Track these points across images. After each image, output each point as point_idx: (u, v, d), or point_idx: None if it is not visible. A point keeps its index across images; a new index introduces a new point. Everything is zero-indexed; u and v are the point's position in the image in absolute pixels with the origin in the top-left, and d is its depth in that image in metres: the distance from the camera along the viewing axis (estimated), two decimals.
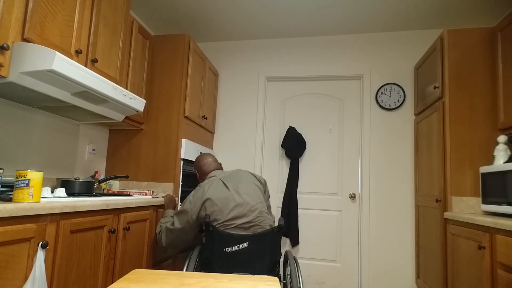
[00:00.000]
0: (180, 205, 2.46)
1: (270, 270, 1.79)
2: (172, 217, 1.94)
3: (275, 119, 3.29)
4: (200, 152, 2.88)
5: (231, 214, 1.78)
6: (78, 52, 1.73)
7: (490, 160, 2.18)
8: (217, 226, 1.77)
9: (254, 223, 1.80)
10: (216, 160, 2.16)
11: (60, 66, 1.44)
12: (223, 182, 1.89)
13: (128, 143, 2.62)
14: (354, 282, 2.92)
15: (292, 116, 3.25)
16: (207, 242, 1.78)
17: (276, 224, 1.87)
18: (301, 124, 3.21)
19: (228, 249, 1.73)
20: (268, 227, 1.83)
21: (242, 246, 1.74)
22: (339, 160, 3.10)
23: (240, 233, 1.77)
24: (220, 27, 3.16)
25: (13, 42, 1.40)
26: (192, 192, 1.91)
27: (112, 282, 1.63)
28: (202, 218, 1.81)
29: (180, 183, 2.52)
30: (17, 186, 1.25)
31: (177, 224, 1.87)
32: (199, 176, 2.17)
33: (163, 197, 2.26)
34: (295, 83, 3.30)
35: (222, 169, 2.17)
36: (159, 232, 1.96)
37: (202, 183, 1.95)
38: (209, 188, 1.85)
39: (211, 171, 2.08)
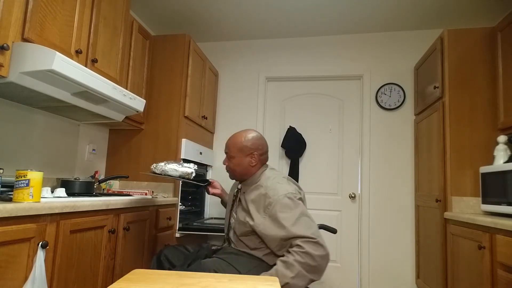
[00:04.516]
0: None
1: None
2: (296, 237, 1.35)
3: (275, 119, 3.29)
4: (201, 153, 2.88)
5: None
6: (78, 52, 1.73)
7: (490, 160, 2.18)
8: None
9: None
10: None
11: (60, 66, 1.44)
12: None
13: (128, 143, 2.62)
14: (354, 282, 2.92)
15: (292, 116, 3.25)
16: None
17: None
18: (301, 124, 3.21)
19: None
20: None
21: None
22: (339, 160, 3.10)
23: None
24: (220, 27, 3.16)
25: (13, 42, 1.40)
26: (284, 186, 1.49)
27: (112, 282, 1.63)
28: None
29: (180, 183, 2.52)
30: (17, 186, 1.25)
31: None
32: (249, 158, 1.66)
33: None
34: (295, 83, 3.30)
35: None
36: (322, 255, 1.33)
37: (284, 176, 1.61)
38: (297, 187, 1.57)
39: (266, 163, 1.73)
